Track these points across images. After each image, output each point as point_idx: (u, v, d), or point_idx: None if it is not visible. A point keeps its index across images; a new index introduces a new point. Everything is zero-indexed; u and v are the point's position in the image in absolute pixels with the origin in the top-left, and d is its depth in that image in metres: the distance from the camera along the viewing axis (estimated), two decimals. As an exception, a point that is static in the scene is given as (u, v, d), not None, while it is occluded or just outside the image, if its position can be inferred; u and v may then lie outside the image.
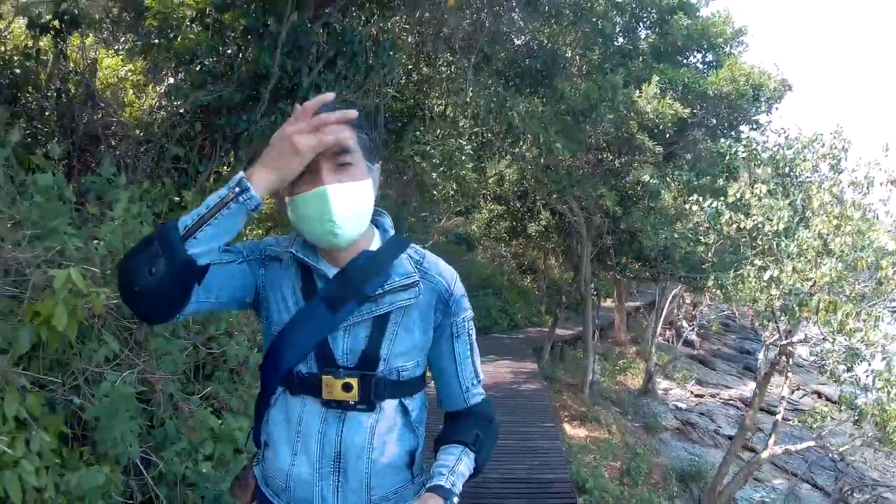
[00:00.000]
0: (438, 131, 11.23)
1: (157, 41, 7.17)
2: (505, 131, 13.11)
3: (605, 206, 13.71)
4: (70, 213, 4.02)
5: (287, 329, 1.89)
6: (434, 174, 11.59)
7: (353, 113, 1.73)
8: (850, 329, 9.67)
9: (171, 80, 7.67)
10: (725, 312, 23.44)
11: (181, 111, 7.13)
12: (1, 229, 3.39)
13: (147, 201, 4.98)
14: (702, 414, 19.64)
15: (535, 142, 12.60)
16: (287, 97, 6.72)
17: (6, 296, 3.35)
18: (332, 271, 1.89)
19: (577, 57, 13.10)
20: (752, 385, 17.38)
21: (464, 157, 11.83)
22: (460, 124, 11.94)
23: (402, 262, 1.93)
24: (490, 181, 18.05)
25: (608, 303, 26.23)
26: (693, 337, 26.85)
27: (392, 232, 2.03)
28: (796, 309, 9.55)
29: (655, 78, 12.77)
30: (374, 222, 1.96)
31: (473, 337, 2.08)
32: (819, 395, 21.28)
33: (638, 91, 12.53)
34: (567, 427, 14.29)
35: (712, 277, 11.58)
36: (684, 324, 26.85)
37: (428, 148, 10.93)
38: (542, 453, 11.02)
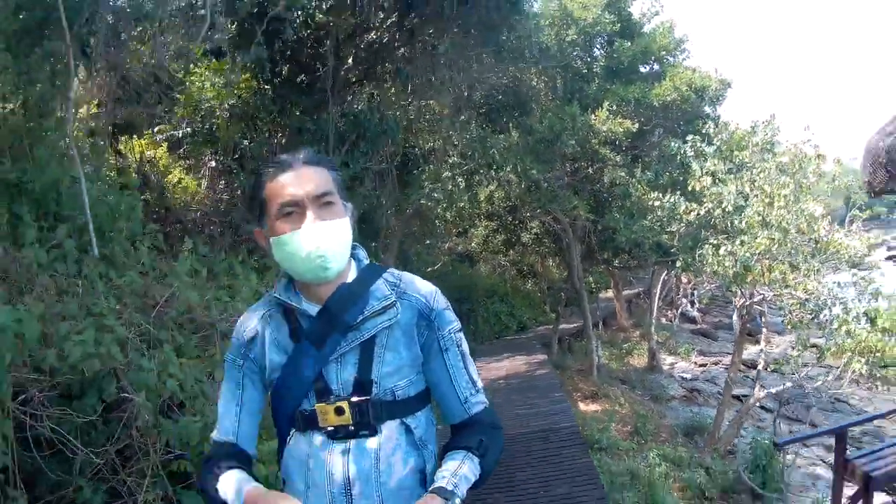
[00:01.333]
0: (438, 173, 13.33)
1: (190, 130, 8.66)
2: (488, 164, 15.14)
3: (579, 212, 15.78)
4: (205, 286, 5.49)
5: (283, 374, 2.01)
6: (438, 209, 13.96)
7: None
8: (794, 283, 12.18)
9: (213, 164, 9.26)
10: (710, 288, 25.24)
11: (237, 193, 8.86)
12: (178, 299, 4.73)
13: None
14: (707, 380, 20.80)
15: (514, 170, 14.95)
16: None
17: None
18: (314, 309, 2.01)
19: (543, 88, 15.31)
20: (754, 348, 19.22)
21: (460, 190, 14.28)
22: (450, 162, 14.29)
23: (379, 286, 2.04)
24: (481, 203, 19.73)
25: (608, 293, 27.35)
26: (694, 313, 28.33)
27: (367, 261, 2.14)
28: (744, 274, 12.04)
29: (606, 102, 15.06)
30: (351, 255, 2.07)
31: (465, 347, 2.15)
32: (816, 346, 23.12)
33: (593, 115, 14.81)
34: (580, 405, 15.74)
35: (680, 259, 14.05)
36: (685, 303, 28.01)
37: (428, 190, 12.93)
38: (553, 415, 12.62)
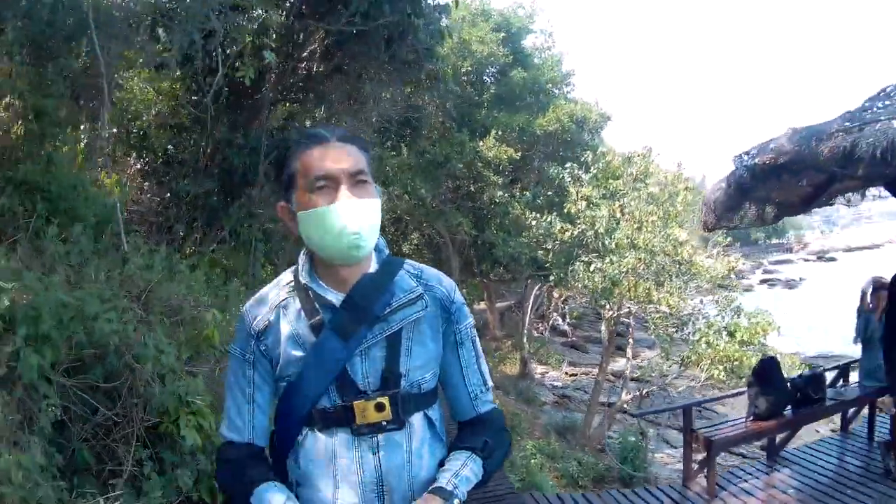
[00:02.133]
0: None
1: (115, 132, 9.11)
2: (381, 181, 16.51)
3: (463, 229, 17.22)
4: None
5: (303, 369, 1.91)
6: None
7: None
8: (657, 299, 14.06)
9: (138, 167, 9.68)
10: (580, 303, 26.51)
11: (166, 196, 9.38)
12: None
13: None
14: (577, 389, 22.19)
15: (405, 187, 16.39)
16: (246, 185, 9.16)
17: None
18: (337, 297, 1.92)
19: (436, 111, 16.48)
20: (622, 360, 20.26)
21: None
22: None
23: (403, 277, 1.99)
24: None
25: (481, 305, 28.14)
26: (565, 327, 29.67)
27: (387, 252, 2.07)
28: (612, 288, 13.81)
29: (493, 130, 16.68)
30: None
31: (478, 344, 2.13)
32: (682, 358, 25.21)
33: (480, 141, 16.37)
34: None
35: (553, 273, 15.68)
36: (556, 316, 29.37)
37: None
38: None
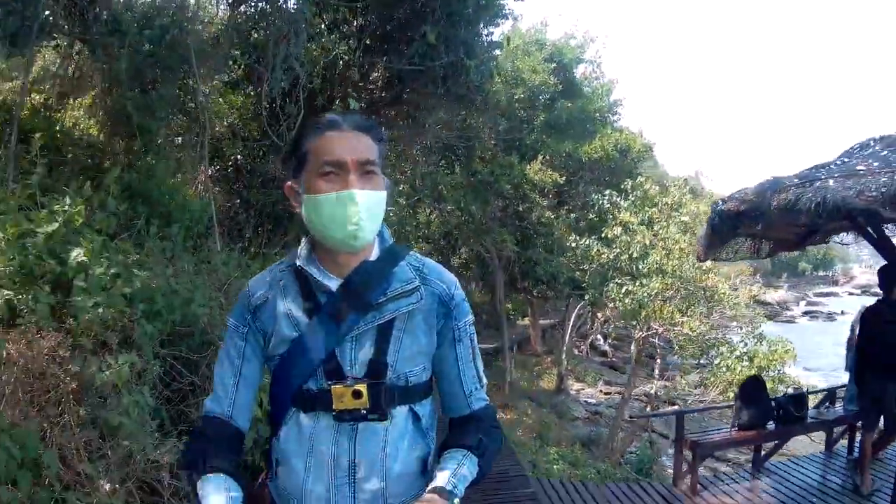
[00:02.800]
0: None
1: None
2: (434, 198, 17.90)
3: (507, 246, 18.28)
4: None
5: (293, 348, 1.95)
6: None
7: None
8: (680, 322, 15.21)
9: (210, 173, 10.14)
10: (621, 325, 27.80)
11: (236, 202, 10.48)
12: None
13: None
14: (609, 406, 22.51)
15: (457, 203, 17.60)
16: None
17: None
18: (334, 282, 1.96)
19: (488, 133, 17.65)
20: (658, 383, 21.54)
21: (409, 216, 16.89)
22: (402, 190, 16.76)
23: (403, 268, 2.01)
24: (420, 226, 21.72)
25: (525, 321, 29.77)
26: (605, 347, 30.64)
27: (391, 241, 2.10)
28: (640, 310, 14.95)
29: (541, 155, 17.89)
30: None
31: (475, 341, 2.14)
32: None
33: (528, 164, 17.57)
34: None
35: (588, 293, 16.92)
36: (599, 336, 30.42)
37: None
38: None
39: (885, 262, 7.33)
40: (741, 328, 16.93)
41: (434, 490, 1.83)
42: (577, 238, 16.87)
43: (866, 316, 7.57)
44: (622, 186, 17.42)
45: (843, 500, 7.70)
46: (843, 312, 71.26)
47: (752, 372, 14.58)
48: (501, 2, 10.82)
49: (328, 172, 1.86)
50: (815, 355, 23.80)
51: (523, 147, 18.64)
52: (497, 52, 12.42)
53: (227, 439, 2.04)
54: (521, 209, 19.11)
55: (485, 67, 10.88)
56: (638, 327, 16.33)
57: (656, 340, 17.26)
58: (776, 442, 9.24)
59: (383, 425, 1.94)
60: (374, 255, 2.02)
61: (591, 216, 18.48)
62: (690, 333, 15.41)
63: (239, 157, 10.63)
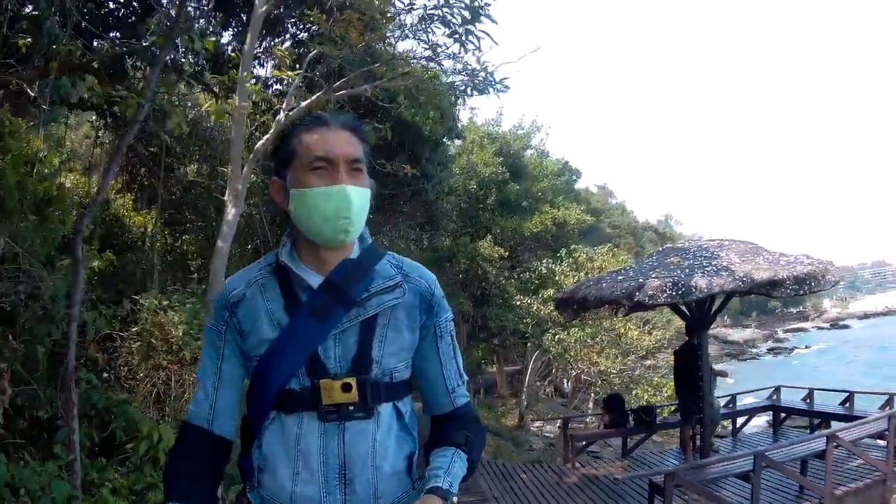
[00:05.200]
0: None
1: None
2: None
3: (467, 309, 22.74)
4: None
5: (274, 348, 1.98)
6: None
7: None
8: (596, 362, 20.46)
9: None
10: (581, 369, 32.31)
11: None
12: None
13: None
14: None
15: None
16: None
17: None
18: (315, 279, 2.03)
19: (449, 212, 22.46)
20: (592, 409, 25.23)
21: None
22: None
23: (384, 265, 2.09)
24: None
25: (492, 369, 33.30)
26: (567, 389, 33.03)
27: (370, 240, 2.17)
28: (564, 354, 20.26)
29: (490, 234, 22.70)
30: None
31: (455, 338, 2.24)
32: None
33: (480, 241, 22.27)
34: None
35: (530, 341, 22.26)
36: (564, 381, 33.16)
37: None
38: None
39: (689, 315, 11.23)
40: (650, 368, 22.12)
41: (432, 490, 1.91)
42: (521, 297, 21.71)
43: (677, 354, 11.60)
44: (558, 254, 22.32)
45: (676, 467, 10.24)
46: (806, 347, 77.31)
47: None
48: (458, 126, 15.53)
49: (318, 168, 1.95)
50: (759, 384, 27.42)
51: (478, 225, 23.51)
52: (451, 166, 17.50)
53: (203, 456, 2.09)
54: (479, 273, 23.38)
55: (441, 185, 15.90)
56: (571, 366, 21.38)
57: (590, 378, 22.19)
58: (641, 437, 13.64)
59: (370, 423, 1.99)
60: (355, 253, 2.10)
61: (534, 279, 23.17)
62: (606, 370, 20.55)
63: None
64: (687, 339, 11.60)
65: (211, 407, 2.10)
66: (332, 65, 9.98)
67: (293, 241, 2.11)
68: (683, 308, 11.34)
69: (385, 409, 2.04)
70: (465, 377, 2.28)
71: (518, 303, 21.98)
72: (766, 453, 9.20)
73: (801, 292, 9.85)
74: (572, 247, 23.02)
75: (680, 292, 9.63)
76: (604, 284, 11.13)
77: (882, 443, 10.95)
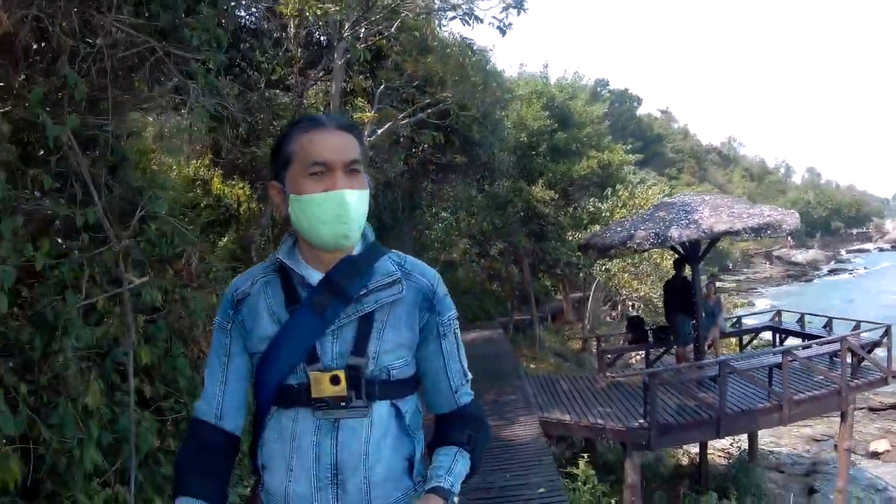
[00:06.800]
0: (437, 213, 23.67)
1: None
2: (470, 211, 25.29)
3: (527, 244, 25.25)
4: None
5: (274, 343, 2.07)
6: (433, 234, 24.59)
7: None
8: (635, 288, 24.13)
9: None
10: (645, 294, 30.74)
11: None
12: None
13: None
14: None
15: (484, 217, 25.17)
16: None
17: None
18: (315, 276, 2.09)
19: (505, 161, 24.46)
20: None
21: (453, 226, 24.89)
22: (444, 206, 24.75)
23: (384, 263, 2.14)
24: (462, 227, 27.21)
25: (559, 296, 34.98)
26: (634, 313, 34.04)
27: (373, 239, 2.22)
28: (609, 279, 23.67)
29: (542, 178, 25.40)
30: None
31: (460, 337, 2.28)
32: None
33: (533, 185, 25.00)
34: (523, 362, 21.84)
35: (582, 270, 25.48)
36: (628, 304, 34.34)
37: (429, 222, 23.65)
38: (501, 361, 19.04)
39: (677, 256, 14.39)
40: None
41: (433, 490, 1.99)
42: (573, 233, 24.40)
43: (666, 284, 14.79)
44: (604, 193, 25.14)
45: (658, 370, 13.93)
46: (865, 268, 78.72)
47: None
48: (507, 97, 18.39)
49: (316, 172, 1.99)
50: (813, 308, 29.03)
51: (531, 170, 26.12)
52: (502, 132, 20.41)
53: (213, 451, 2.18)
54: (537, 213, 25.79)
55: (492, 147, 18.63)
56: (615, 293, 24.77)
57: (633, 302, 25.62)
58: (661, 351, 16.66)
59: (365, 422, 2.04)
60: (357, 251, 2.16)
61: (584, 216, 25.90)
62: (647, 295, 24.21)
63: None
64: (675, 272, 14.86)
65: (219, 403, 2.19)
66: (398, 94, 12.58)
67: (295, 240, 2.20)
68: (678, 247, 14.30)
69: (381, 407, 2.08)
70: (470, 375, 2.32)
71: (570, 238, 24.40)
72: (731, 363, 12.59)
73: (758, 238, 13.23)
74: (616, 186, 25.76)
75: (659, 241, 12.87)
76: (607, 234, 14.41)
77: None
